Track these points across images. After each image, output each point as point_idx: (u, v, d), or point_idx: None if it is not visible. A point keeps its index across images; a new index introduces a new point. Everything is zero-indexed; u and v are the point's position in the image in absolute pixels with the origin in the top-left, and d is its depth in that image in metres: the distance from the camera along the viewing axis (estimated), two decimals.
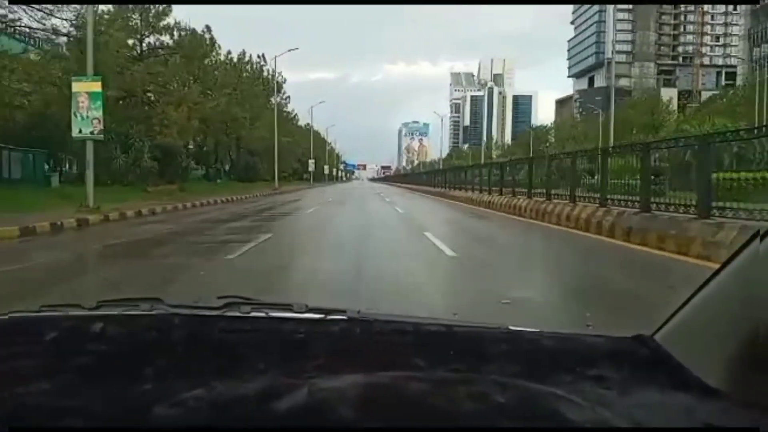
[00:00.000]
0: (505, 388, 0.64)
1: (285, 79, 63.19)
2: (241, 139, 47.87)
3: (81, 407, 0.61)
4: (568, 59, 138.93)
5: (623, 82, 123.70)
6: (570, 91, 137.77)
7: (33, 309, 0.92)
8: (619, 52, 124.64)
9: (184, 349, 0.79)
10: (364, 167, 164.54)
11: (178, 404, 0.60)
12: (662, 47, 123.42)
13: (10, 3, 19.07)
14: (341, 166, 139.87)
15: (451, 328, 0.89)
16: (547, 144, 78.10)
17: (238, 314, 0.88)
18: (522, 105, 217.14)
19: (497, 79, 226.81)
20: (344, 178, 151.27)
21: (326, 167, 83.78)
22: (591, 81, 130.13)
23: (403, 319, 0.92)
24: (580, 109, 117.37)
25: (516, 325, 0.92)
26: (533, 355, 0.81)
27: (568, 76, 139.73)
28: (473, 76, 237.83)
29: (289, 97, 67.35)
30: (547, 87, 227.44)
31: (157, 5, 30.62)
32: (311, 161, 62.84)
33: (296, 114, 74.48)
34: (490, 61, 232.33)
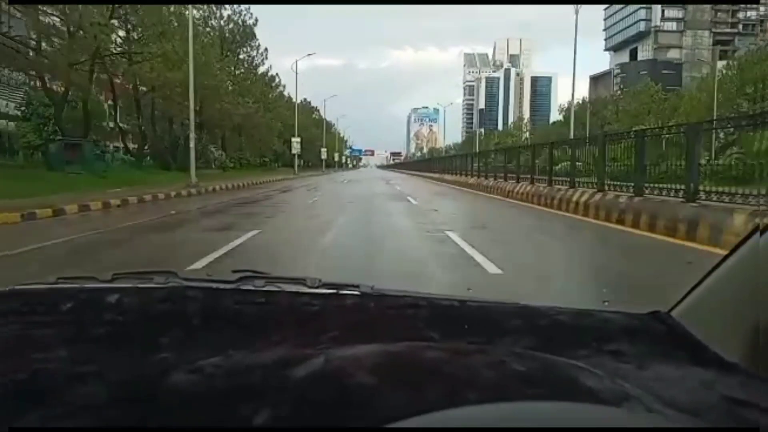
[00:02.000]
0: (522, 358, 0.62)
1: (256, 21, 43.14)
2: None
3: (99, 372, 0.61)
4: (604, 30, 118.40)
5: (672, 54, 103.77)
6: (601, 68, 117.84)
7: (50, 281, 0.92)
8: (667, 19, 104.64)
9: (200, 321, 0.78)
10: (373, 153, 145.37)
11: (196, 371, 0.59)
12: (719, 13, 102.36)
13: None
14: (347, 152, 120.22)
15: (464, 303, 0.89)
16: (607, 123, 57.74)
17: (252, 288, 0.87)
18: (541, 87, 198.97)
19: (513, 60, 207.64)
20: (350, 165, 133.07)
21: (324, 151, 64.23)
22: (633, 54, 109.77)
23: (416, 294, 0.90)
24: (621, 85, 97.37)
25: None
26: (549, 330, 0.79)
27: (605, 50, 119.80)
28: (488, 57, 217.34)
29: (266, 50, 47.06)
30: (566, 70, 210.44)
31: None
32: (295, 141, 43.02)
33: (279, 80, 54.50)
34: (506, 42, 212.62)
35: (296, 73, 44.51)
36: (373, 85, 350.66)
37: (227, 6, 41.75)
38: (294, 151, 43.45)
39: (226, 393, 0.56)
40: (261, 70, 49.38)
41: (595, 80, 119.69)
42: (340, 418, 0.52)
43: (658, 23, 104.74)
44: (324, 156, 65.28)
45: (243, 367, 0.62)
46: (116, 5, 22.48)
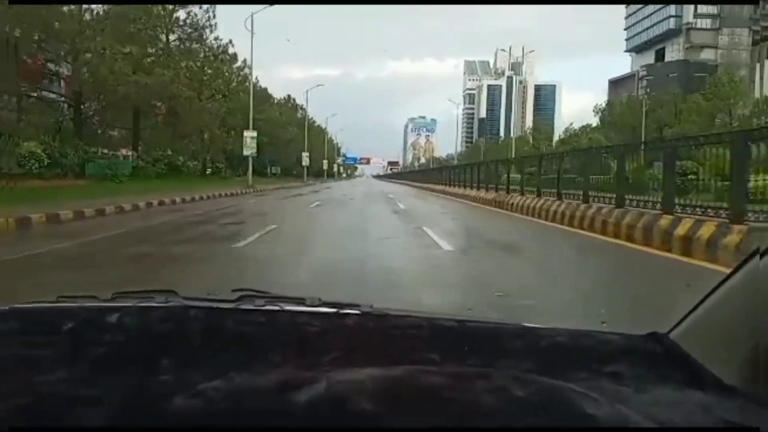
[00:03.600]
0: (522, 383, 0.61)
1: None
2: None
3: (99, 396, 0.59)
4: (626, 29, 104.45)
5: (706, 55, 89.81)
6: (616, 74, 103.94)
7: (50, 299, 0.92)
8: (701, 15, 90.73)
9: (200, 341, 0.78)
10: (368, 161, 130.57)
11: (197, 395, 0.58)
12: (759, 10, 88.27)
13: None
14: (339, 159, 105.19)
15: (464, 323, 0.88)
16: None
17: (252, 307, 0.87)
18: (545, 95, 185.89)
19: (516, 67, 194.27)
20: (344, 175, 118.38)
21: (305, 156, 49.25)
22: (659, 54, 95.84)
23: (416, 314, 0.89)
24: (647, 89, 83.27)
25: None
26: (548, 352, 0.78)
27: (626, 51, 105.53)
28: (489, 65, 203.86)
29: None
30: (570, 80, 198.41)
31: None
32: (249, 135, 27.99)
33: (245, 63, 39.47)
34: (508, 49, 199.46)
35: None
36: (370, 94, 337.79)
37: None
38: (247, 152, 28.57)
39: (228, 418, 0.55)
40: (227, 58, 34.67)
41: (615, 84, 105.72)
42: None
43: (691, 20, 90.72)
44: (306, 162, 50.43)
45: (244, 391, 0.61)
46: None
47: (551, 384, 0.62)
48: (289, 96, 65.68)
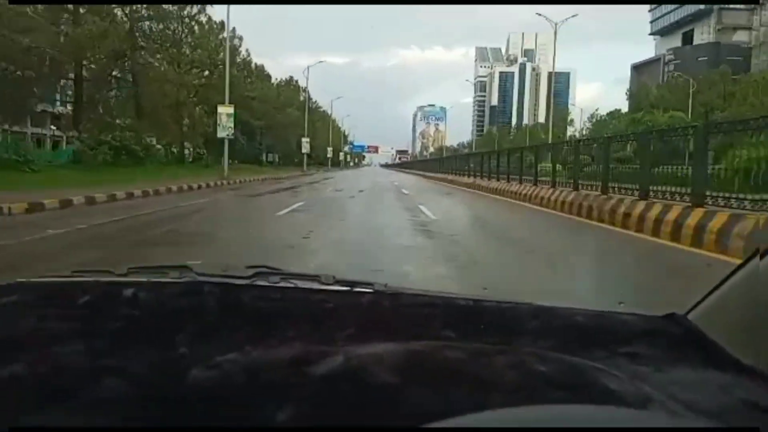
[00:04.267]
0: (543, 359, 0.60)
1: None
2: None
3: (119, 368, 0.59)
4: (650, 11, 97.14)
5: (740, 37, 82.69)
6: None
7: (65, 273, 0.91)
8: None
9: (215, 316, 0.77)
10: (376, 150, 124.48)
11: (214, 367, 0.58)
12: None
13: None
14: (346, 148, 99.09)
15: (480, 302, 0.87)
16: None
17: (266, 284, 0.86)
18: (559, 83, 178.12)
19: (528, 54, 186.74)
20: (352, 164, 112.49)
21: (306, 142, 43.25)
22: (687, 37, 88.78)
23: (431, 293, 0.88)
24: (675, 73, 76.38)
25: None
26: (565, 331, 0.77)
27: (650, 34, 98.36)
28: (501, 51, 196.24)
29: None
30: (584, 69, 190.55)
31: None
32: (224, 111, 21.91)
33: (234, 35, 33.38)
34: (520, 35, 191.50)
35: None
36: (378, 83, 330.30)
37: None
38: (222, 133, 22.61)
39: (247, 390, 0.55)
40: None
41: (638, 69, 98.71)
42: (365, 416, 0.50)
43: None
44: (306, 149, 44.39)
45: (262, 363, 0.61)
46: None
47: (572, 360, 0.61)
48: (291, 77, 59.52)
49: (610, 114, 64.05)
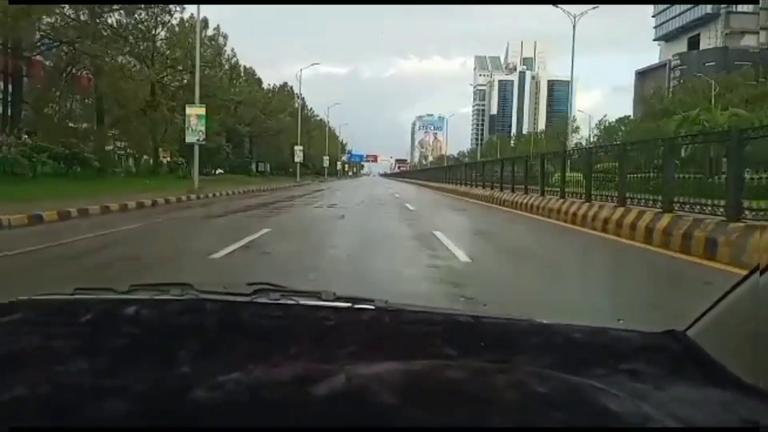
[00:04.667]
0: (542, 379, 0.60)
1: None
2: None
3: (120, 387, 0.58)
4: (654, 16, 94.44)
5: (747, 41, 79.77)
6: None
7: (67, 291, 0.91)
8: None
9: (217, 334, 0.77)
10: (375, 159, 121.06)
11: (217, 387, 0.57)
12: None
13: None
14: (344, 157, 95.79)
15: (479, 319, 0.86)
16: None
17: (267, 301, 0.86)
18: (558, 91, 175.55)
19: (528, 63, 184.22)
20: (351, 173, 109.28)
21: (298, 150, 39.94)
22: (693, 42, 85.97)
23: (431, 310, 0.88)
24: (681, 79, 73.64)
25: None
26: (565, 348, 0.77)
27: (654, 39, 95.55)
28: (500, 60, 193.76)
29: None
30: (584, 77, 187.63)
31: None
32: (194, 112, 18.80)
33: (218, 33, 30.01)
34: (519, 44, 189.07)
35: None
36: (377, 93, 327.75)
37: None
38: (191, 138, 19.04)
39: (249, 410, 0.54)
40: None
41: (642, 75, 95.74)
42: None
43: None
44: (299, 158, 40.97)
45: (264, 383, 0.60)
46: None
47: (571, 380, 0.60)
48: (285, 83, 56.01)
49: (619, 120, 60.77)
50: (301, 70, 42.44)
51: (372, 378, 0.58)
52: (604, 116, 65.47)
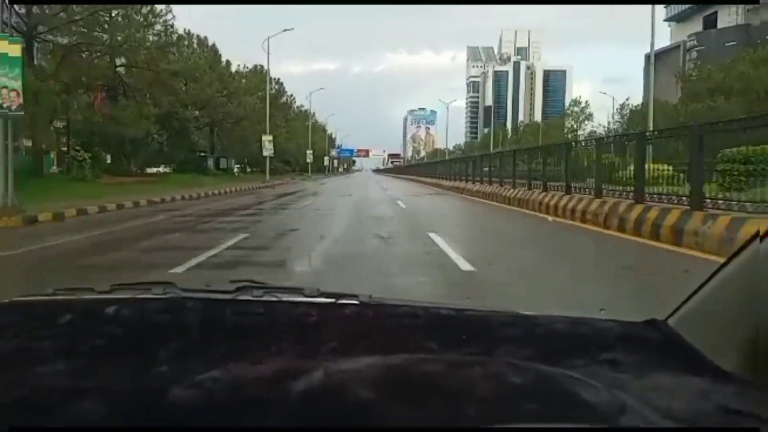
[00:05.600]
0: (520, 370, 0.60)
1: None
2: None
3: (98, 388, 0.57)
4: None
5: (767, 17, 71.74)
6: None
7: (47, 292, 0.89)
8: None
9: (198, 332, 0.76)
10: (367, 153, 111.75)
11: (195, 385, 0.56)
12: None
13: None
14: (333, 152, 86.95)
15: (462, 312, 0.86)
16: None
17: (250, 298, 0.84)
18: (554, 82, 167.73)
19: (521, 53, 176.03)
20: (341, 170, 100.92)
21: (267, 141, 30.93)
22: (710, 21, 77.79)
23: (414, 303, 0.87)
24: (698, 61, 65.59)
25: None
26: (546, 339, 0.76)
27: (665, 20, 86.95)
28: (493, 50, 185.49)
29: None
30: (579, 66, 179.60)
31: None
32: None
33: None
34: (513, 33, 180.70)
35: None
36: (367, 88, 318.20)
37: None
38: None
39: (226, 408, 0.54)
40: None
41: (654, 59, 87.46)
42: None
43: None
44: (268, 152, 31.94)
45: (242, 380, 0.59)
46: None
47: (548, 371, 0.60)
48: (256, 65, 45.29)
49: (645, 105, 52.61)
50: (268, 38, 32.26)
51: (350, 374, 0.58)
52: (627, 99, 56.95)
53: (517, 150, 19.04)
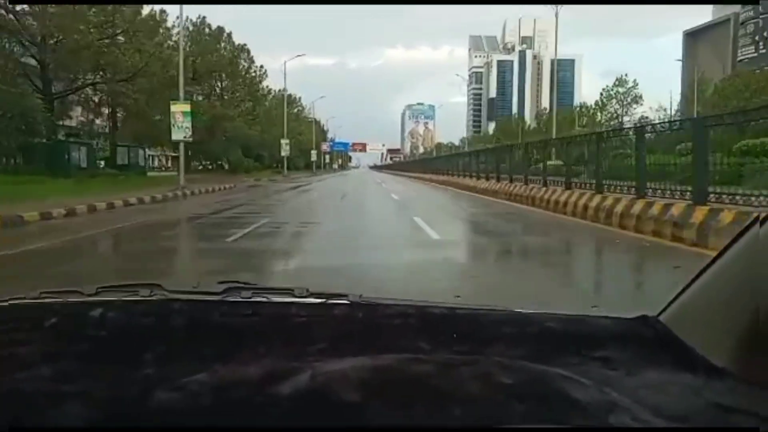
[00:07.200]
0: (509, 369, 0.59)
1: None
2: None
3: (81, 392, 0.56)
4: None
5: None
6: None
7: (33, 295, 0.86)
8: None
9: (185, 335, 0.74)
10: (363, 148, 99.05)
11: (180, 388, 0.55)
12: None
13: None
14: (324, 145, 73.88)
15: (453, 310, 0.84)
16: None
17: (238, 299, 0.82)
18: (562, 72, 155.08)
19: (527, 42, 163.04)
20: (336, 166, 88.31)
21: (178, 112, 17.75)
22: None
23: (405, 303, 0.84)
24: (755, 36, 53.30)
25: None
26: (538, 337, 0.75)
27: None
28: (497, 39, 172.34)
29: None
30: (587, 56, 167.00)
31: None
32: None
33: None
34: (518, 22, 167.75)
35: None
36: (364, 83, 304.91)
37: None
38: None
39: (211, 411, 0.53)
40: None
41: (694, 37, 74.65)
42: None
43: None
44: (183, 134, 18.81)
45: (228, 383, 0.58)
46: None
47: (537, 369, 0.59)
48: (239, 44, 35.46)
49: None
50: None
51: (338, 375, 0.56)
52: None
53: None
